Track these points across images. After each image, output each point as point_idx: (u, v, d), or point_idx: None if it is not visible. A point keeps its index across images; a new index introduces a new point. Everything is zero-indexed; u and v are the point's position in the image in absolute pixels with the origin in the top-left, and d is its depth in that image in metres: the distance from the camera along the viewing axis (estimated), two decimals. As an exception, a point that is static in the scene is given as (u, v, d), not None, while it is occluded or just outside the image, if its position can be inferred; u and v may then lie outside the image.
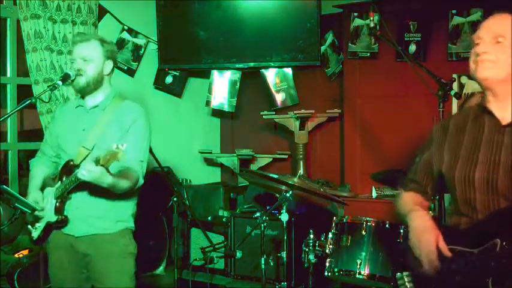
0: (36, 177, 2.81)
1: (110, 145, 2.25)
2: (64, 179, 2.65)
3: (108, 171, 2.39)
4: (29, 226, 2.78)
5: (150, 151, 2.99)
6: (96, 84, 2.68)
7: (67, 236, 2.70)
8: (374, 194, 4.49)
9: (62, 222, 2.66)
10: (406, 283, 2.00)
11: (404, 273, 2.01)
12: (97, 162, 2.29)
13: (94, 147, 2.64)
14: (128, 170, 2.57)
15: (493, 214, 1.84)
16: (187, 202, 4.48)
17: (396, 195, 2.27)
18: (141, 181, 2.66)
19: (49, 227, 2.71)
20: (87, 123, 2.69)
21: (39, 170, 2.85)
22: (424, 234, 1.92)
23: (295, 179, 2.98)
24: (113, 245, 2.69)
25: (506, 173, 1.83)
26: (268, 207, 3.20)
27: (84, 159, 2.63)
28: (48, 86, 2.65)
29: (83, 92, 2.71)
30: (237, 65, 4.90)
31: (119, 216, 2.72)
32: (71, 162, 2.66)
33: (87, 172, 2.34)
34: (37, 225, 2.74)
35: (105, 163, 2.27)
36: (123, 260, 2.72)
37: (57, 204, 2.65)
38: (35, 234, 2.75)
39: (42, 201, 2.71)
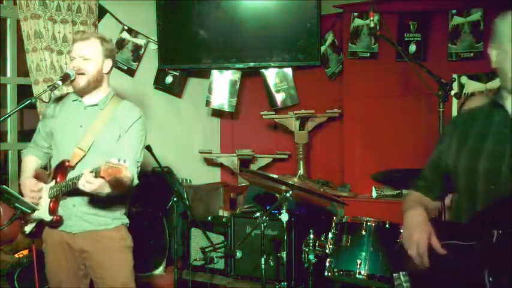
0: (29, 168, 2.81)
1: (110, 158, 2.23)
2: (59, 179, 2.66)
3: (107, 182, 2.40)
4: (21, 221, 2.79)
5: (150, 151, 3.00)
6: (96, 83, 2.69)
7: (63, 233, 2.71)
8: (374, 194, 4.49)
9: (57, 222, 2.67)
10: (403, 283, 1.99)
11: (401, 273, 2.01)
12: (97, 174, 2.30)
13: (90, 148, 2.65)
14: None
15: (493, 204, 1.83)
16: (187, 202, 4.48)
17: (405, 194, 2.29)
18: (136, 181, 2.68)
19: (41, 224, 2.73)
20: (85, 120, 2.70)
21: (32, 161, 2.85)
22: (416, 231, 1.91)
23: (295, 179, 2.98)
24: (110, 240, 2.72)
25: (510, 164, 1.82)
26: (268, 207, 3.20)
27: (80, 161, 2.64)
28: (48, 86, 2.64)
29: (83, 92, 2.71)
30: (237, 65, 4.90)
31: (115, 214, 2.75)
32: (67, 163, 2.66)
33: (86, 184, 2.36)
34: (29, 219, 2.75)
35: (108, 177, 2.27)
36: (122, 254, 2.75)
37: (51, 204, 2.67)
38: (28, 228, 2.77)
39: (37, 189, 2.70)
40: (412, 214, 2.01)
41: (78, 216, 2.68)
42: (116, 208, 2.74)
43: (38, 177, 2.80)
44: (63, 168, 2.67)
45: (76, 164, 2.65)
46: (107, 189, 2.45)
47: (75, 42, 2.70)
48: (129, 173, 2.53)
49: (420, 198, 2.14)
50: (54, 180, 2.69)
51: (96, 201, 2.66)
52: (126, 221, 2.82)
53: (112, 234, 2.73)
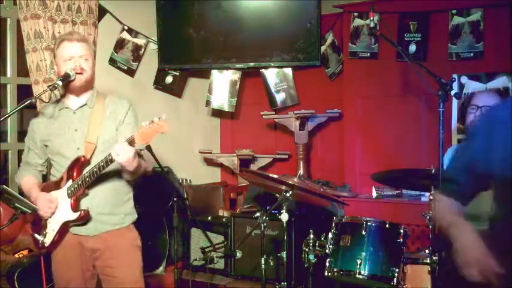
0: (33, 187, 2.80)
1: (150, 119, 2.35)
2: (75, 176, 2.66)
3: (138, 154, 2.52)
4: (36, 234, 2.76)
5: (150, 151, 3.01)
6: (91, 82, 2.75)
7: (76, 234, 2.72)
8: (374, 194, 4.49)
9: (85, 216, 2.67)
10: None
11: None
12: (131, 142, 2.40)
13: (98, 140, 2.68)
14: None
15: None
16: (187, 202, 4.47)
17: (433, 195, 2.14)
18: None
19: (64, 228, 2.71)
20: (78, 123, 2.73)
21: (31, 180, 2.85)
22: (474, 251, 1.76)
23: (295, 179, 2.98)
24: (122, 238, 2.76)
25: None
26: (268, 207, 3.20)
27: (93, 153, 2.68)
28: (48, 86, 2.65)
29: (80, 91, 2.73)
30: (237, 65, 4.90)
31: (126, 209, 2.80)
32: (82, 159, 2.68)
33: (122, 153, 2.42)
34: (47, 230, 2.74)
35: (145, 139, 2.39)
36: (132, 253, 2.78)
37: (72, 202, 2.66)
38: (48, 239, 2.73)
39: (52, 202, 2.70)
40: (463, 230, 1.82)
41: (94, 218, 2.70)
42: (125, 204, 2.79)
43: (45, 190, 2.79)
44: (78, 164, 2.68)
45: (91, 157, 2.67)
46: (135, 164, 2.53)
47: (71, 42, 2.69)
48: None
49: (454, 206, 1.94)
50: (70, 180, 2.69)
51: (107, 200, 2.70)
52: (136, 215, 2.86)
53: (123, 233, 2.77)
